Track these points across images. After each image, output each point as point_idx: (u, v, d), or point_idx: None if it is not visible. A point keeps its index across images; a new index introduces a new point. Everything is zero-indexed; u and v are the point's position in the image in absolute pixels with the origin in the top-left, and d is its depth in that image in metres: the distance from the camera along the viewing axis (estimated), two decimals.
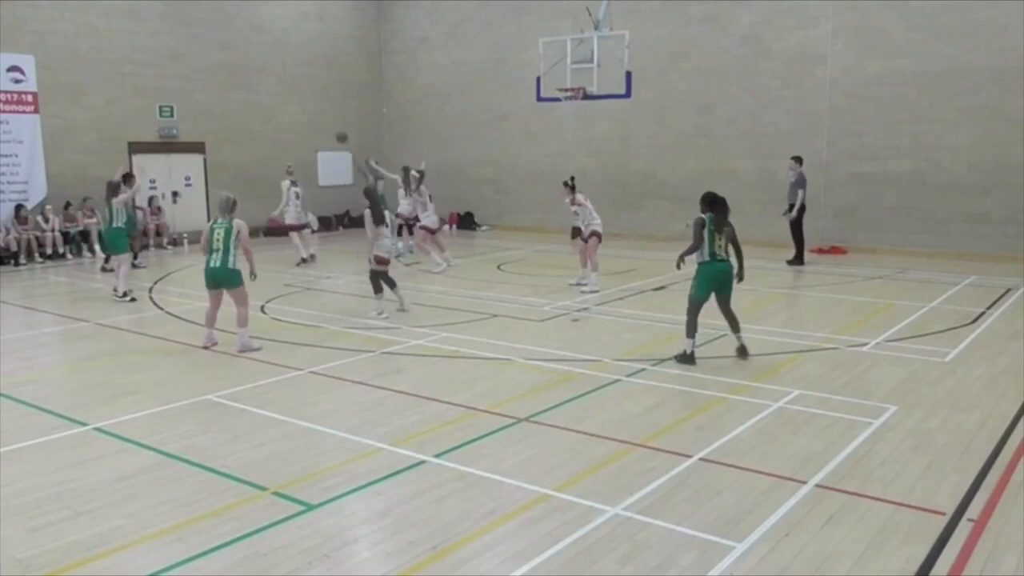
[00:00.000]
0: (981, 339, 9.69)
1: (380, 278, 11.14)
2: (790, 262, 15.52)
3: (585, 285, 12.97)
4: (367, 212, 11.35)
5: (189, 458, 6.08)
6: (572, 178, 13.50)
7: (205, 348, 9.44)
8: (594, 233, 12.75)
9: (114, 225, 12.93)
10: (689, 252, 8.74)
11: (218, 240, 9.25)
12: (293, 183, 16.72)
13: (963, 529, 4.86)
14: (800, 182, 15.50)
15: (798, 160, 15.71)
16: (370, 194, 11.55)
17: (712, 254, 8.63)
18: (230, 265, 9.24)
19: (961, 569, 4.42)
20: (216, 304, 9.51)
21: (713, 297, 8.76)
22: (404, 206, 17.25)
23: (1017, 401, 7.28)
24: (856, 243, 17.38)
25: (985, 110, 16.11)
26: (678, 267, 9.03)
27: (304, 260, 16.21)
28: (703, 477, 5.66)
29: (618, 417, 6.98)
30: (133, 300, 12.33)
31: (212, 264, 9.28)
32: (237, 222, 9.37)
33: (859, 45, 17.31)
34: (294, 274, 14.98)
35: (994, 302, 11.83)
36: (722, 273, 8.71)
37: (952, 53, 16.31)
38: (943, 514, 5.05)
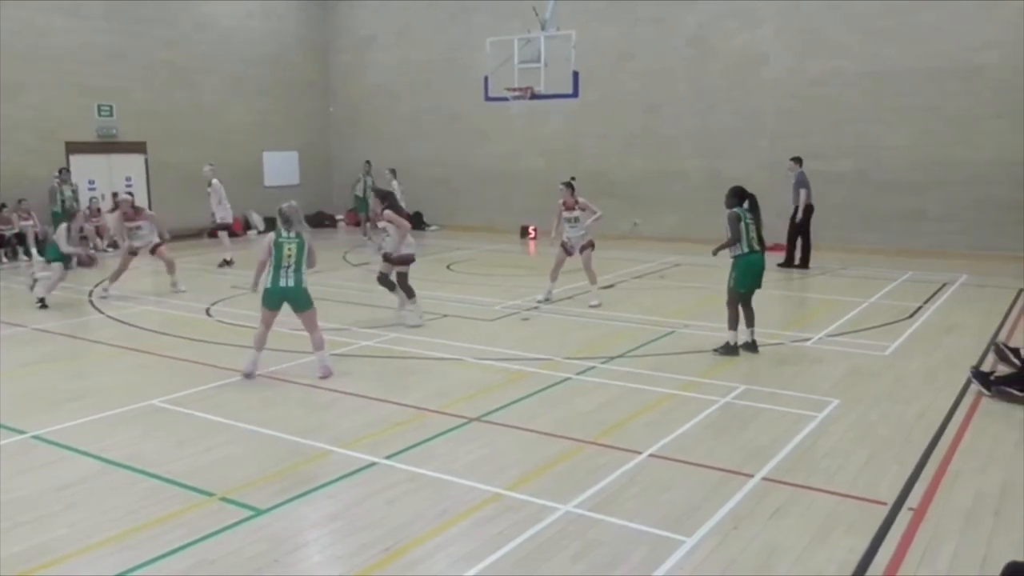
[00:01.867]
0: (918, 333, 9.96)
1: (406, 280, 10.66)
2: (793, 266, 14.94)
3: (549, 301, 11.91)
4: (389, 213, 10.44)
5: (133, 465, 5.95)
6: (573, 178, 12.26)
7: (247, 376, 8.26)
8: (591, 243, 11.66)
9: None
10: (727, 245, 8.93)
11: (290, 257, 8.18)
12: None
13: (903, 518, 5.00)
14: (800, 182, 15.03)
15: (797, 160, 15.27)
16: (390, 196, 10.86)
17: (750, 246, 8.86)
18: (304, 284, 8.30)
19: (902, 557, 4.54)
20: (269, 324, 8.41)
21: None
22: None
23: (953, 393, 7.50)
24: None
25: (923, 111, 16.57)
26: (714, 254, 9.30)
27: (227, 262, 15.68)
28: (653, 473, 5.72)
29: (569, 415, 7.02)
30: (44, 307, 11.88)
31: (284, 283, 8.18)
32: (307, 236, 8.39)
33: (801, 46, 17.68)
34: (239, 275, 14.63)
35: (930, 297, 12.18)
36: (760, 265, 8.98)
37: (891, 55, 16.74)
38: (884, 504, 5.19)
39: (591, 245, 11.66)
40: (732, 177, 18.14)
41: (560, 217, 11.71)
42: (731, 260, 8.98)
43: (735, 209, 8.93)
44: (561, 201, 11.67)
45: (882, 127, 17.01)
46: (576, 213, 11.60)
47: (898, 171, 16.94)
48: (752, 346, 9.03)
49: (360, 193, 19.63)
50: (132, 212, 13.09)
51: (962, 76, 16.13)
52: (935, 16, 16.25)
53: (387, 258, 10.65)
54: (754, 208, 8.99)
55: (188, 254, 16.95)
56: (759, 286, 9.10)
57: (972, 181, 16.21)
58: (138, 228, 13.05)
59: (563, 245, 11.81)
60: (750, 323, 9.08)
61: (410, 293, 10.62)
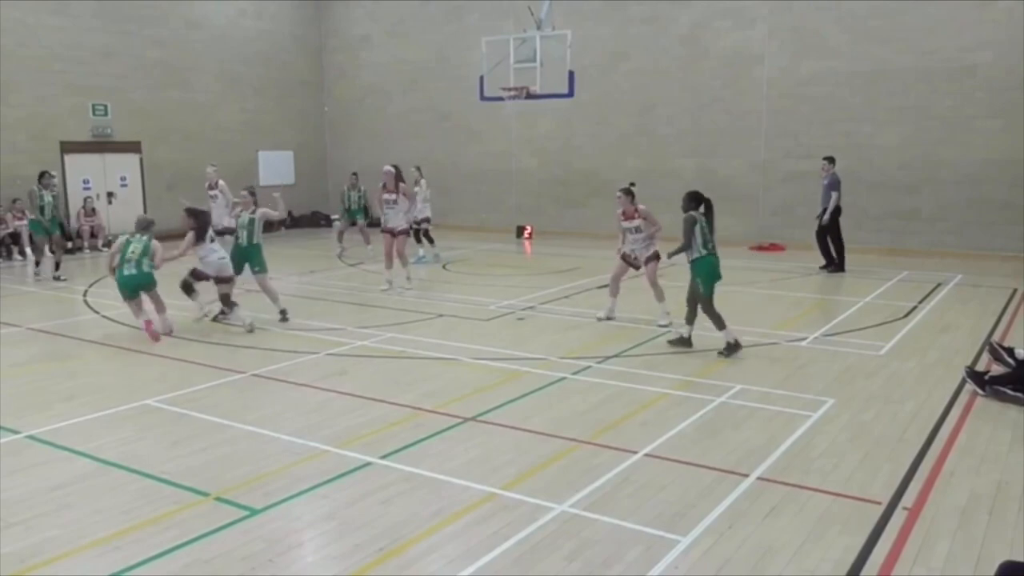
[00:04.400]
0: (913, 333, 9.98)
1: (190, 288, 10.90)
2: (829, 269, 14.67)
3: (611, 319, 10.71)
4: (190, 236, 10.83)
5: (127, 465, 5.93)
6: (632, 184, 11.16)
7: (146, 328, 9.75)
8: (657, 254, 10.41)
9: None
10: (682, 250, 8.98)
11: (133, 253, 9.94)
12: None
13: (898, 517, 5.00)
14: (833, 184, 14.55)
15: (831, 160, 14.84)
16: (197, 213, 10.94)
17: (707, 248, 8.94)
18: (145, 269, 9.93)
19: (896, 556, 4.55)
20: (139, 305, 10.01)
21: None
22: (424, 208, 16.45)
23: (947, 392, 7.52)
24: (794, 240, 17.76)
25: (914, 110, 16.62)
26: (669, 257, 9.33)
27: None
28: (648, 472, 5.72)
29: (564, 415, 7.02)
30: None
31: (128, 272, 9.88)
32: (155, 243, 10.06)
33: (794, 46, 17.71)
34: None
35: (925, 296, 12.20)
36: (718, 265, 9.05)
37: (882, 54, 16.78)
38: (879, 503, 5.19)
39: (656, 257, 10.41)
40: (726, 176, 18.28)
41: (621, 227, 10.58)
42: (689, 264, 9.05)
43: (692, 213, 9.01)
44: (620, 211, 10.50)
45: (875, 127, 17.05)
46: (637, 223, 10.38)
47: (891, 171, 16.98)
48: (687, 342, 9.20)
49: (347, 205, 18.66)
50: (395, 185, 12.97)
51: (954, 76, 16.18)
52: (927, 16, 16.29)
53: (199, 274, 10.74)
54: (709, 212, 9.07)
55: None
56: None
57: (965, 181, 16.27)
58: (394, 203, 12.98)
59: (625, 257, 10.59)
60: (692, 320, 9.21)
61: (189, 292, 10.79)
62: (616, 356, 8.93)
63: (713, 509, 5.10)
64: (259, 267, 10.85)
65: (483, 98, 16.29)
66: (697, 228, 8.89)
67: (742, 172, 18.27)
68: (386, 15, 23.15)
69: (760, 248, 17.65)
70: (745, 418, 6.87)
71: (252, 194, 11.16)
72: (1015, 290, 12.58)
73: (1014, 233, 15.71)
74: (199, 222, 10.66)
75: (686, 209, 9.05)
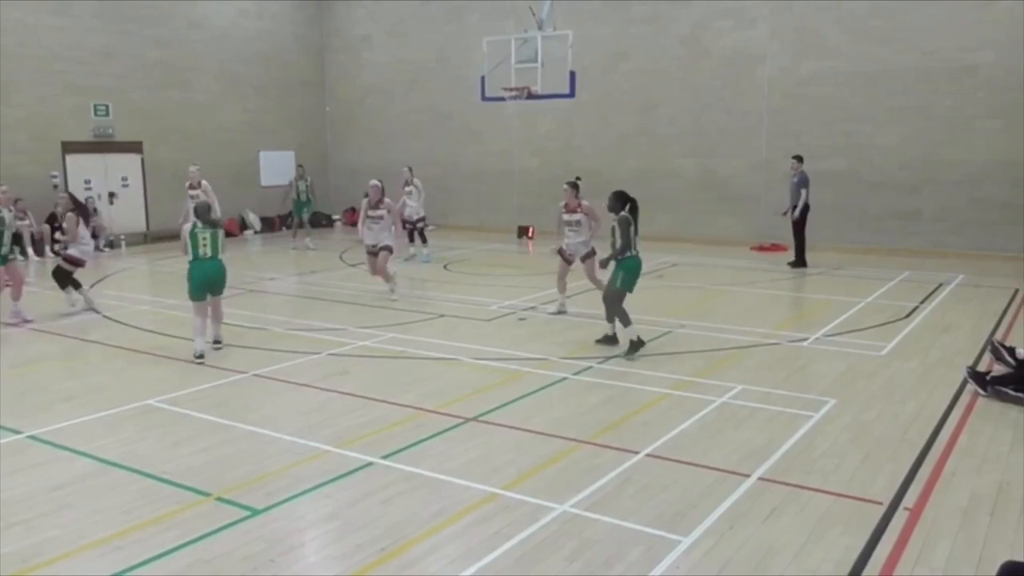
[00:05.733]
0: (915, 333, 9.97)
1: (67, 277, 11.49)
2: (792, 264, 15.18)
3: (563, 313, 11.01)
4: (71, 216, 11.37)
5: (128, 465, 5.93)
6: (578, 178, 11.08)
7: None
8: (593, 251, 10.57)
9: None
10: (622, 252, 9.03)
11: None
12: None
13: (899, 518, 5.00)
14: (802, 182, 15.02)
15: (799, 159, 15.28)
16: (78, 201, 11.87)
17: (635, 249, 9.11)
18: None
19: (898, 557, 4.55)
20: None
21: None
22: (413, 208, 16.44)
23: (949, 392, 7.51)
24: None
25: (914, 110, 16.60)
26: (603, 266, 9.42)
27: None
28: (649, 473, 5.72)
29: (565, 415, 7.02)
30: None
31: None
32: None
33: (795, 46, 17.69)
34: (236, 275, 14.53)
35: (927, 297, 12.19)
36: (641, 266, 9.24)
37: (883, 54, 16.76)
38: (880, 504, 5.19)
39: (593, 253, 10.52)
40: (727, 176, 18.27)
41: (560, 220, 10.71)
42: (615, 262, 9.10)
43: (624, 214, 9.06)
44: (563, 203, 10.63)
45: (875, 127, 17.03)
46: (577, 217, 10.47)
47: (892, 170, 16.95)
48: (614, 339, 9.33)
49: (295, 196, 18.89)
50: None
51: (955, 76, 16.16)
52: (928, 16, 16.27)
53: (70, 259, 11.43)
54: (635, 212, 9.13)
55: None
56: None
57: (966, 181, 16.25)
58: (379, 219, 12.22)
59: (560, 252, 10.79)
60: (612, 319, 9.33)
61: (72, 285, 11.54)
62: (617, 356, 8.93)
63: (714, 509, 5.10)
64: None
65: (484, 98, 16.27)
66: (631, 229, 9.00)
67: (743, 172, 18.25)
68: (387, 15, 23.14)
69: (761, 248, 17.63)
70: (746, 418, 6.87)
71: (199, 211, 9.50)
72: (1016, 290, 12.57)
73: (1015, 233, 15.69)
74: (81, 209, 11.71)
75: (614, 210, 9.13)
